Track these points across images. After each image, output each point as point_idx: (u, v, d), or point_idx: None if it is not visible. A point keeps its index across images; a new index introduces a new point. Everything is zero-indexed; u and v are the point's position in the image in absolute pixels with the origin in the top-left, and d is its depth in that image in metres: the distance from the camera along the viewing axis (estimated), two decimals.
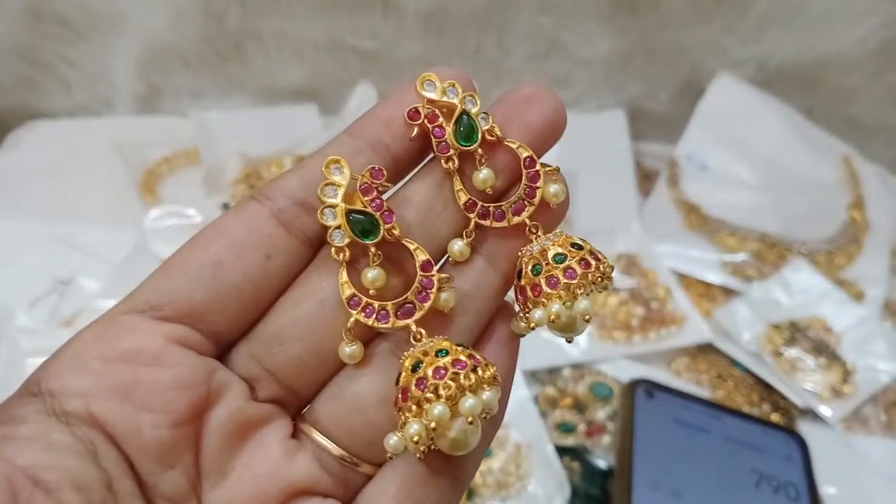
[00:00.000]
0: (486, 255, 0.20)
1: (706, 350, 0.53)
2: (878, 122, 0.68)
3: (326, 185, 0.19)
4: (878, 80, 0.65)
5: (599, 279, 0.19)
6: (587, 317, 0.18)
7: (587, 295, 0.18)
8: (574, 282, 0.18)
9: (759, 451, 0.45)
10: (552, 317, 0.18)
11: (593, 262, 0.19)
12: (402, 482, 0.18)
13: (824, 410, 0.50)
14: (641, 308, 0.53)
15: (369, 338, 0.19)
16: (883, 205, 0.62)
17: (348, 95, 0.62)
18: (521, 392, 0.48)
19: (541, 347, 0.50)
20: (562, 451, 0.46)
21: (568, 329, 0.18)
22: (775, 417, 0.50)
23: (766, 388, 0.51)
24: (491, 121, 0.20)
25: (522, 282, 0.19)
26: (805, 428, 0.49)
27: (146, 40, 0.61)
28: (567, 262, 0.18)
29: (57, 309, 0.47)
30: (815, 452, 0.46)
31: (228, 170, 0.56)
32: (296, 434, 0.19)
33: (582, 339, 0.52)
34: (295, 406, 0.20)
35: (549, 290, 0.18)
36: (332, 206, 0.19)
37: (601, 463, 0.46)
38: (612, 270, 0.19)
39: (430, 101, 0.19)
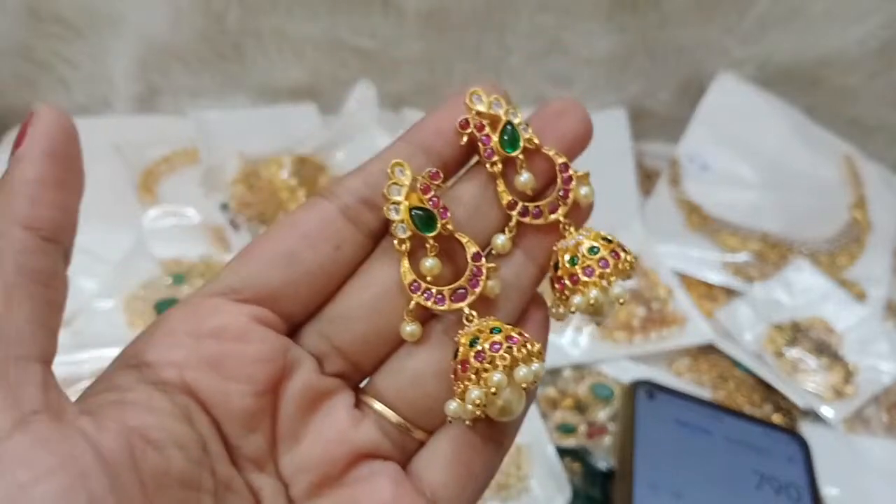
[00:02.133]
0: (524, 249, 0.22)
1: (707, 350, 0.53)
2: (878, 122, 0.67)
3: (392, 184, 0.21)
4: (879, 79, 0.65)
5: (627, 268, 0.22)
6: (621, 300, 0.21)
7: (618, 282, 0.21)
8: (608, 270, 0.21)
9: (761, 451, 0.44)
10: (591, 301, 0.21)
11: (621, 254, 0.22)
12: (454, 445, 0.21)
13: (826, 411, 0.50)
14: (642, 308, 0.53)
15: (424, 319, 0.22)
16: (885, 205, 0.62)
17: (347, 95, 0.61)
18: None
19: None
20: (563, 452, 0.45)
21: (602, 313, 0.21)
22: (777, 418, 0.50)
23: (768, 389, 0.51)
24: (530, 131, 0.22)
25: (559, 272, 0.22)
26: (807, 428, 0.49)
27: (145, 40, 0.61)
28: (601, 254, 0.21)
29: None
30: (817, 453, 0.46)
31: (227, 169, 0.56)
32: (358, 405, 0.22)
33: (582, 340, 0.51)
34: (357, 380, 0.22)
35: (586, 279, 0.21)
36: (397, 203, 0.21)
37: (602, 464, 0.46)
38: (636, 261, 0.22)
39: (479, 113, 0.22)
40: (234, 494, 0.19)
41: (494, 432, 0.21)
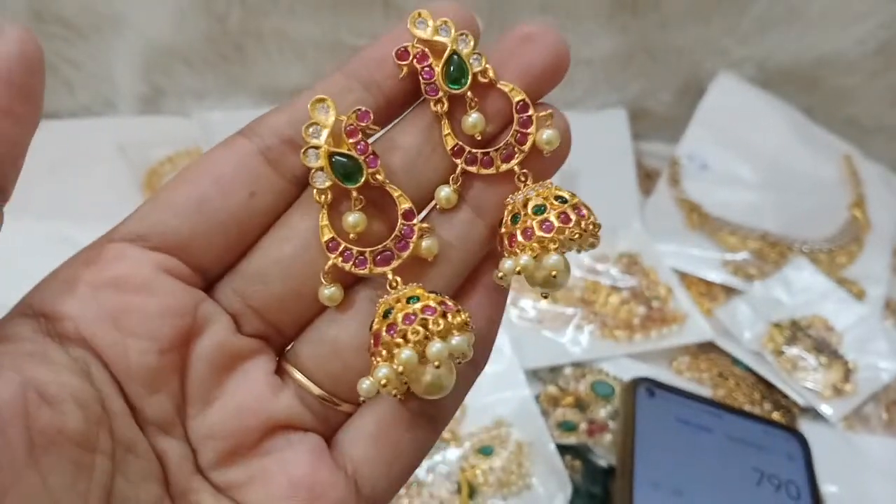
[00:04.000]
0: (472, 203, 0.20)
1: (707, 349, 0.53)
2: (877, 122, 0.68)
3: (311, 124, 0.18)
4: (877, 79, 0.65)
5: (578, 235, 0.18)
6: (554, 273, 0.18)
7: (562, 250, 0.18)
8: (549, 235, 0.18)
9: (761, 449, 0.45)
10: (518, 269, 0.18)
11: (573, 217, 0.18)
12: (379, 421, 0.19)
13: (825, 409, 0.50)
14: (643, 307, 0.54)
15: (351, 282, 0.20)
16: (884, 204, 0.62)
17: None
18: (522, 391, 0.48)
19: (542, 346, 0.51)
20: (563, 449, 0.46)
21: (538, 283, 0.18)
22: (776, 416, 0.50)
23: (768, 387, 0.51)
24: (484, 62, 0.19)
25: (502, 230, 0.19)
26: (806, 426, 0.49)
27: (148, 41, 0.61)
28: (545, 215, 0.18)
29: None
30: (817, 451, 0.46)
31: None
32: (279, 371, 0.20)
33: (583, 338, 0.52)
34: (279, 343, 0.20)
35: (522, 241, 0.18)
36: (316, 147, 0.18)
37: (603, 461, 0.46)
38: (598, 229, 0.19)
39: (421, 41, 0.19)
40: (137, 458, 0.17)
41: (426, 408, 0.19)
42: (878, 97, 0.66)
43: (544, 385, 0.49)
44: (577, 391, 0.49)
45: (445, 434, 0.46)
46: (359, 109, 0.19)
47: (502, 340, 0.50)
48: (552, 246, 0.18)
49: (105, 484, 0.16)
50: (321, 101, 0.18)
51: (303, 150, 0.18)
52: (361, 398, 0.18)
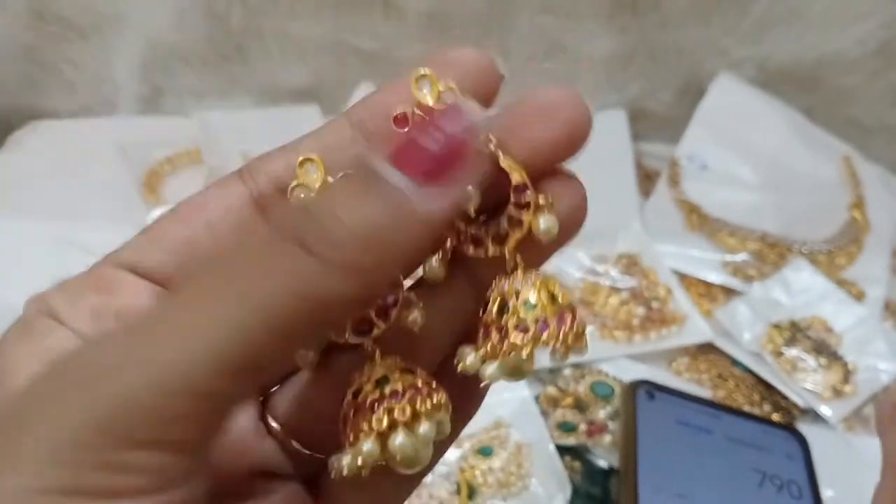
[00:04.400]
0: (468, 274, 0.19)
1: (707, 350, 0.53)
2: (878, 123, 0.68)
3: (297, 185, 0.17)
4: (878, 80, 0.65)
5: (540, 344, 0.17)
6: (513, 376, 0.17)
7: (528, 352, 0.17)
8: (519, 342, 0.17)
9: (762, 450, 0.45)
10: (470, 368, 0.17)
11: (552, 325, 0.17)
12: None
13: (825, 410, 0.50)
14: (642, 308, 0.53)
15: (331, 345, 0.19)
16: (883, 205, 0.62)
17: (350, 96, 0.62)
18: (521, 392, 0.48)
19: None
20: (563, 450, 0.46)
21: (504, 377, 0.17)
22: (776, 417, 0.50)
23: (767, 388, 0.51)
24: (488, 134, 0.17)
25: (482, 315, 0.18)
26: (806, 428, 0.49)
27: (149, 41, 0.61)
28: (518, 317, 0.17)
29: None
30: (816, 452, 0.46)
31: (231, 170, 0.56)
32: (263, 418, 0.19)
33: None
34: (261, 391, 0.20)
35: (494, 341, 0.17)
36: None
37: (602, 462, 0.46)
38: (580, 339, 0.17)
39: (422, 106, 0.17)
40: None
41: None
42: (878, 97, 0.66)
43: (544, 386, 0.49)
44: (576, 392, 0.49)
45: None
46: (348, 173, 0.17)
47: None
48: (522, 352, 0.17)
49: None
50: (309, 160, 0.17)
51: None
52: (332, 475, 0.17)
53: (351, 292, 0.15)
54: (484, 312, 0.18)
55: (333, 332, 0.18)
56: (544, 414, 0.47)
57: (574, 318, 0.17)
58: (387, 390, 0.17)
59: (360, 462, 0.17)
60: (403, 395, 0.17)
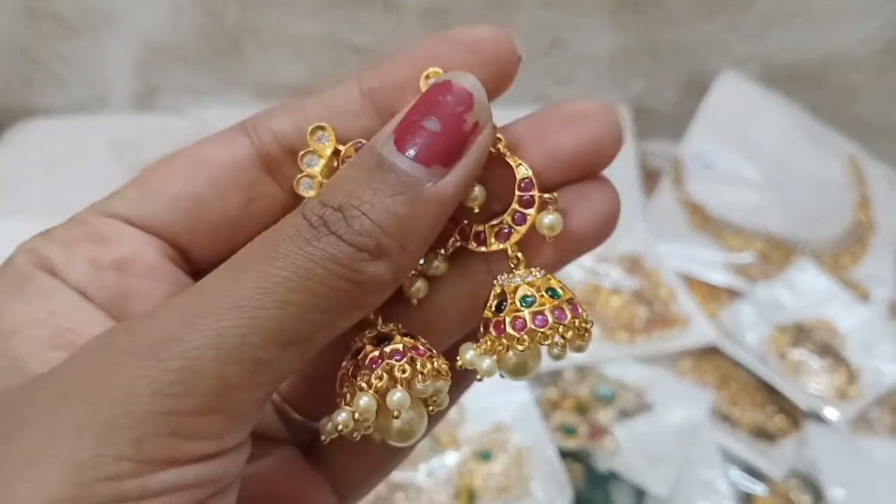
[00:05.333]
0: (477, 269, 0.19)
1: (710, 352, 0.53)
2: (882, 121, 0.67)
3: (307, 152, 0.18)
4: (883, 78, 0.65)
5: (539, 339, 0.17)
6: (512, 371, 0.17)
7: (525, 348, 0.17)
8: (517, 335, 0.17)
9: None
10: (468, 364, 0.17)
11: (550, 320, 0.17)
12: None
13: (829, 413, 0.49)
14: (645, 309, 0.53)
15: None
16: (889, 205, 0.62)
17: None
18: (522, 395, 0.47)
19: (542, 348, 0.50)
20: (563, 453, 0.45)
21: (506, 373, 0.17)
22: (779, 420, 0.49)
23: (771, 391, 0.51)
24: (497, 134, 0.18)
25: (484, 312, 0.18)
26: (810, 430, 0.49)
27: (143, 37, 0.61)
28: (520, 312, 0.17)
29: None
30: (821, 455, 0.45)
31: None
32: None
33: None
34: None
35: (493, 334, 0.17)
36: (311, 177, 0.18)
37: (603, 465, 0.45)
38: (584, 332, 0.17)
39: None
40: None
41: None
42: (883, 95, 0.66)
43: (544, 388, 0.49)
44: (577, 395, 0.48)
45: (444, 438, 0.45)
46: (359, 142, 0.18)
47: None
48: (519, 346, 0.17)
49: None
50: (321, 128, 0.18)
51: (296, 179, 0.18)
52: (323, 437, 0.17)
53: (383, 274, 0.15)
54: (486, 308, 0.18)
55: (371, 312, 0.18)
56: (545, 417, 0.47)
57: (575, 313, 0.17)
58: (387, 349, 0.17)
59: (356, 417, 0.16)
60: (404, 354, 0.17)
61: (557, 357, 0.18)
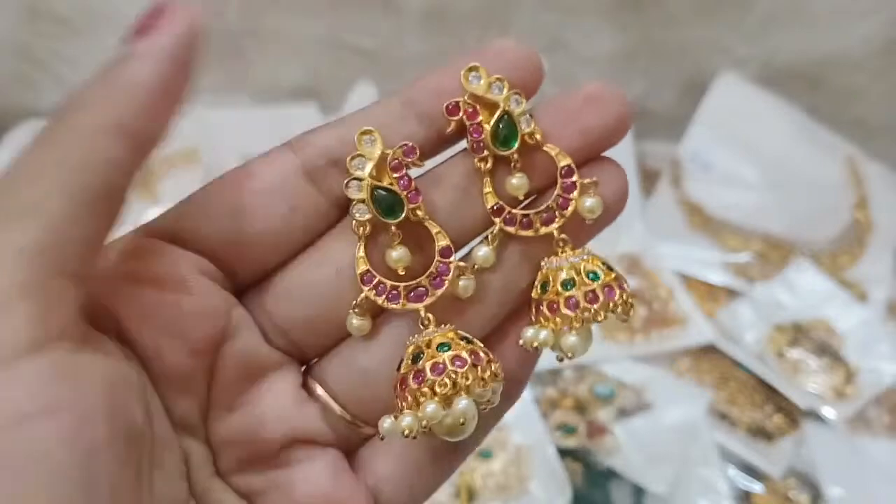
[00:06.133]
0: (510, 261, 0.19)
1: (709, 351, 0.53)
2: (882, 122, 0.67)
3: (356, 156, 0.18)
4: (882, 78, 0.65)
5: (603, 317, 0.18)
6: (570, 353, 0.18)
7: (587, 325, 0.18)
8: (572, 314, 0.18)
9: None
10: (536, 343, 0.18)
11: (601, 297, 0.18)
12: (405, 443, 0.19)
13: (827, 412, 0.50)
14: (644, 309, 0.53)
15: (379, 311, 0.19)
16: (887, 205, 0.62)
17: (348, 94, 0.61)
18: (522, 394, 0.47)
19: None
20: (563, 452, 0.45)
21: (559, 353, 0.19)
22: (778, 419, 0.49)
23: (769, 390, 0.51)
24: (534, 124, 0.19)
25: (532, 294, 0.19)
26: (808, 429, 0.49)
27: None
28: (572, 291, 0.18)
29: None
30: (819, 454, 0.45)
31: (229, 168, 0.56)
32: (305, 386, 0.20)
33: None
34: (302, 360, 0.20)
35: (546, 314, 0.18)
36: (359, 179, 0.18)
37: (603, 464, 0.46)
38: (629, 307, 0.19)
39: (473, 96, 0.19)
40: (171, 454, 0.18)
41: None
42: (883, 96, 0.66)
43: (544, 387, 0.49)
44: (576, 394, 0.48)
45: None
46: (405, 144, 0.18)
47: None
48: (575, 324, 0.18)
49: (148, 474, 0.16)
50: (368, 132, 0.18)
51: (345, 182, 0.18)
52: (381, 436, 0.18)
53: (121, 153, 0.16)
54: (536, 291, 0.19)
55: (387, 297, 0.19)
56: (544, 416, 0.47)
57: (622, 289, 0.18)
58: (448, 356, 0.17)
59: (423, 423, 0.17)
60: (465, 362, 0.17)
61: (623, 316, 0.19)
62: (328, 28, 0.62)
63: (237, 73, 0.63)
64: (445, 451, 0.20)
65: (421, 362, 0.18)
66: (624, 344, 0.51)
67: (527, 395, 0.47)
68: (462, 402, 0.17)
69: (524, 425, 0.46)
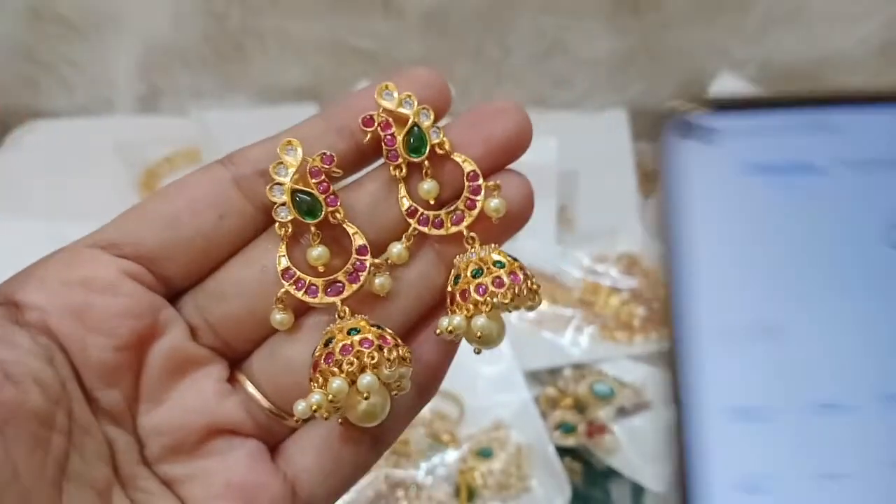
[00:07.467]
0: (423, 259, 0.21)
1: None
2: None
3: (278, 164, 0.20)
4: (880, 80, 0.65)
5: (510, 299, 0.20)
6: (479, 334, 0.20)
7: (497, 312, 0.20)
8: (481, 298, 0.20)
9: None
10: (451, 328, 0.20)
11: (507, 282, 0.20)
12: (325, 435, 0.21)
13: None
14: (643, 308, 0.53)
15: (304, 309, 0.21)
16: None
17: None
18: (521, 393, 0.48)
19: (542, 348, 0.50)
20: (563, 451, 0.45)
21: (472, 341, 0.20)
22: None
23: None
24: (442, 135, 0.21)
25: (447, 288, 0.21)
26: None
27: (147, 40, 0.61)
28: (481, 279, 0.20)
29: None
30: None
31: None
32: (232, 381, 0.21)
33: (583, 340, 0.51)
34: (232, 358, 0.22)
35: (459, 302, 0.20)
36: (281, 184, 0.20)
37: (602, 463, 0.46)
38: (534, 294, 0.20)
39: (386, 111, 0.21)
40: (91, 438, 0.19)
41: (371, 428, 0.21)
42: None
43: (543, 387, 0.49)
44: (576, 393, 0.49)
45: (444, 436, 0.46)
46: (324, 153, 0.20)
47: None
48: (484, 308, 0.20)
49: (60, 458, 0.18)
50: (289, 143, 0.20)
51: (268, 186, 0.20)
52: (295, 418, 0.19)
53: None
54: (451, 284, 0.21)
55: (306, 291, 0.21)
56: (543, 415, 0.47)
57: (525, 274, 0.20)
58: (357, 338, 0.19)
59: (329, 398, 0.19)
60: (372, 343, 0.19)
61: (519, 307, 0.20)
62: (329, 29, 0.62)
63: (238, 73, 0.64)
64: (364, 445, 0.21)
65: (332, 344, 0.19)
66: (623, 343, 0.52)
67: (527, 394, 0.48)
68: (366, 378, 0.19)
69: (523, 424, 0.46)
